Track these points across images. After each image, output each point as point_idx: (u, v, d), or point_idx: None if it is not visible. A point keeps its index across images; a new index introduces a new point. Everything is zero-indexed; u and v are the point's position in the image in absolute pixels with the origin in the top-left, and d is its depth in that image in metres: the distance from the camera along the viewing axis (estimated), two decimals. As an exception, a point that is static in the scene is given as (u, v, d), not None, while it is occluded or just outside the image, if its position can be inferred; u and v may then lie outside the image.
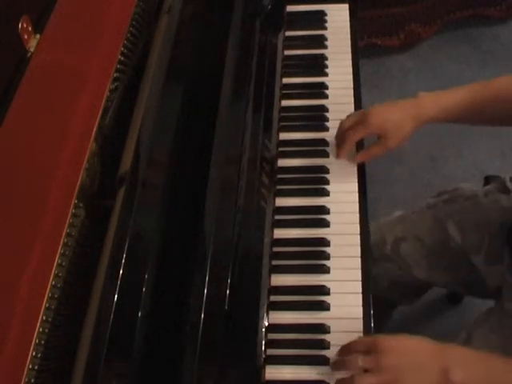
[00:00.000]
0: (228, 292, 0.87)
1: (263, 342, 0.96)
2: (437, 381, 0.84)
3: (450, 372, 0.83)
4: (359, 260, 1.05)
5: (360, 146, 1.16)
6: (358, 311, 1.00)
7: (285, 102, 1.24)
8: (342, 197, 1.11)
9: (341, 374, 0.92)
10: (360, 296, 1.01)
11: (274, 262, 1.04)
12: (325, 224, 1.08)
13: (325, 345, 0.96)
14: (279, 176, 1.14)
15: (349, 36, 1.32)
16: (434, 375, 0.84)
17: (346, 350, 0.92)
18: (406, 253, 1.28)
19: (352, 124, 1.12)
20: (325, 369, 0.95)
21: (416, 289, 1.49)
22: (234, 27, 1.09)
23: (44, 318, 0.69)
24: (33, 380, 0.67)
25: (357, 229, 1.08)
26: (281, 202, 1.11)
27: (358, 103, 1.23)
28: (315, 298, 1.01)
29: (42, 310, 0.68)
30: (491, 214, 1.20)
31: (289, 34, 1.34)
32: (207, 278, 0.84)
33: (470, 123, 1.21)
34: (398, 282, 1.37)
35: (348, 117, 1.15)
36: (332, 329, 0.98)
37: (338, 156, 1.14)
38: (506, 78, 1.09)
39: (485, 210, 1.22)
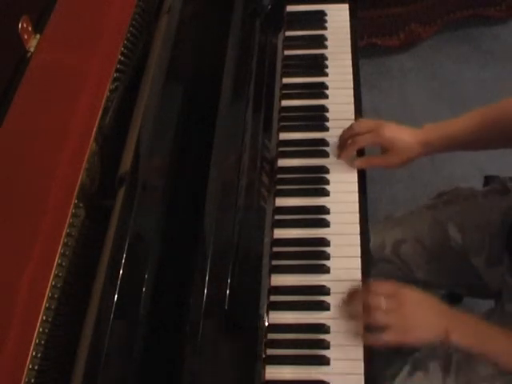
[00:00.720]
0: (228, 292, 0.87)
1: (263, 342, 0.96)
2: (439, 335, 0.96)
3: (450, 332, 0.96)
4: (359, 260, 1.05)
5: (360, 154, 1.16)
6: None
7: (285, 102, 1.24)
8: (342, 197, 1.11)
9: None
10: (360, 296, 1.01)
11: (274, 262, 1.04)
12: (325, 224, 1.08)
13: (325, 345, 0.96)
14: (279, 176, 1.14)
15: (349, 36, 1.32)
16: (438, 331, 0.96)
17: (365, 289, 1.00)
18: (406, 255, 1.28)
19: (364, 130, 1.12)
20: (325, 369, 0.95)
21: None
22: (234, 27, 1.09)
23: (44, 318, 0.69)
24: (33, 380, 0.67)
25: (357, 229, 1.08)
26: (281, 202, 1.11)
27: (357, 103, 1.23)
28: (315, 298, 1.01)
29: (42, 309, 0.68)
30: (491, 214, 1.20)
31: (289, 33, 1.34)
32: (207, 278, 0.84)
33: (480, 148, 1.21)
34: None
35: (360, 121, 1.16)
36: (332, 329, 0.98)
37: (339, 156, 1.15)
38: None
39: (485, 211, 1.22)
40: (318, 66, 1.28)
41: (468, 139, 1.10)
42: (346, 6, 1.37)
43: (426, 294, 1.00)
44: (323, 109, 1.22)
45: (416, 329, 0.97)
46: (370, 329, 0.97)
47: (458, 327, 0.98)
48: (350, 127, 1.15)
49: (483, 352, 0.99)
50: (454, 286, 1.33)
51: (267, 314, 0.99)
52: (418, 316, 0.98)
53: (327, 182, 1.13)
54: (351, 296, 1.00)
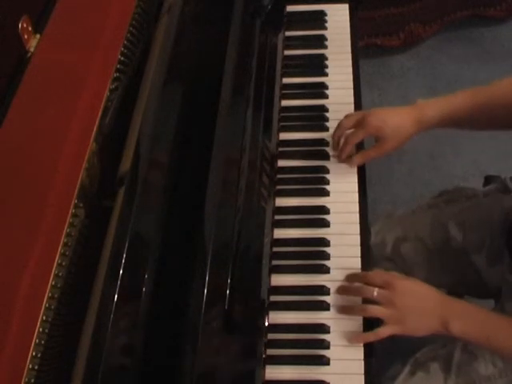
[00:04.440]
0: (228, 292, 0.87)
1: (263, 342, 0.96)
2: (435, 329, 0.95)
3: (450, 323, 0.94)
4: (359, 260, 1.05)
5: (360, 147, 1.16)
6: (358, 311, 1.00)
7: (285, 102, 1.24)
8: (342, 197, 1.11)
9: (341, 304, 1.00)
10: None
11: (274, 262, 1.04)
12: (325, 224, 1.08)
13: (325, 345, 0.96)
14: (279, 176, 1.14)
15: (349, 36, 1.32)
16: (434, 323, 0.95)
17: (358, 278, 0.99)
18: (407, 253, 1.28)
19: (352, 125, 1.12)
20: (325, 369, 0.95)
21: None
22: (233, 27, 1.09)
23: (44, 318, 0.69)
24: (33, 380, 0.67)
25: (357, 229, 1.08)
26: (281, 202, 1.11)
27: (357, 103, 1.23)
28: (315, 298, 1.01)
29: (42, 309, 0.68)
30: (492, 213, 1.21)
31: (289, 33, 1.34)
32: (207, 278, 0.84)
33: (470, 128, 1.21)
34: None
35: (347, 117, 1.15)
36: (332, 329, 0.98)
37: (339, 158, 1.14)
38: (506, 80, 1.09)
39: (486, 210, 1.22)
40: (318, 65, 1.28)
41: (460, 117, 1.10)
42: (346, 6, 1.37)
43: (423, 284, 0.99)
44: (323, 109, 1.22)
45: (411, 320, 0.95)
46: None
47: (456, 317, 0.95)
48: (339, 125, 1.14)
49: (487, 343, 0.97)
50: (455, 284, 1.33)
51: (267, 314, 0.99)
52: (413, 307, 0.96)
53: (327, 182, 1.13)
54: (348, 288, 1.00)
